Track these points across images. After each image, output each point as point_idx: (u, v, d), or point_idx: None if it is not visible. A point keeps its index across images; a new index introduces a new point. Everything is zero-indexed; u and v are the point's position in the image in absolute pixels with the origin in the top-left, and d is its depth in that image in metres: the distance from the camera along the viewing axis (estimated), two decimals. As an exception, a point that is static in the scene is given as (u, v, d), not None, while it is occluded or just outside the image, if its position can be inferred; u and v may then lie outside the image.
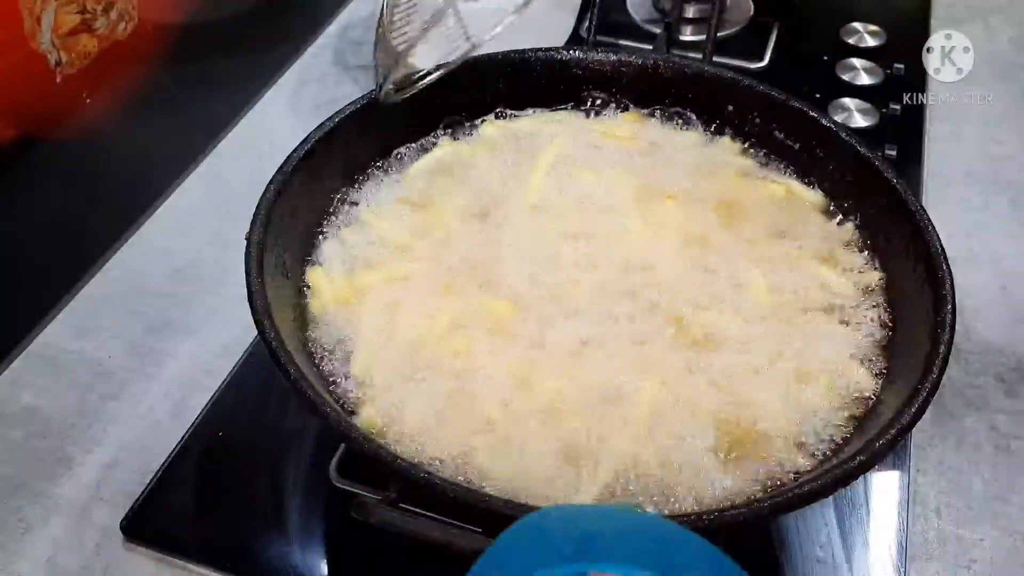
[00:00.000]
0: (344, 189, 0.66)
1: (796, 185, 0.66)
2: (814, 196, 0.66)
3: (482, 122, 0.71)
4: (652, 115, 0.72)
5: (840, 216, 0.64)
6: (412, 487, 0.46)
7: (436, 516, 0.45)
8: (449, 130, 0.71)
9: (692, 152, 0.69)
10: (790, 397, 0.53)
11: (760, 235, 0.63)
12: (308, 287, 0.60)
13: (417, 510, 0.45)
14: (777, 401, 0.53)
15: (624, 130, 0.70)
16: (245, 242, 0.54)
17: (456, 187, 0.66)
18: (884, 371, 0.55)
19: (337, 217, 0.64)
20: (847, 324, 0.58)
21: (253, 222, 0.55)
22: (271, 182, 0.58)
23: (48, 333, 0.73)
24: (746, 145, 0.70)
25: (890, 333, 0.57)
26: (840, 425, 0.53)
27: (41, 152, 0.70)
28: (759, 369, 0.55)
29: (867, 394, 0.54)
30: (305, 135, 0.62)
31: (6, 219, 0.69)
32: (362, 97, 0.65)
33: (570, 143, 0.69)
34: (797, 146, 0.67)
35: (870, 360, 0.56)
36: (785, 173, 0.68)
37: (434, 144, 0.70)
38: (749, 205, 0.65)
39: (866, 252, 0.62)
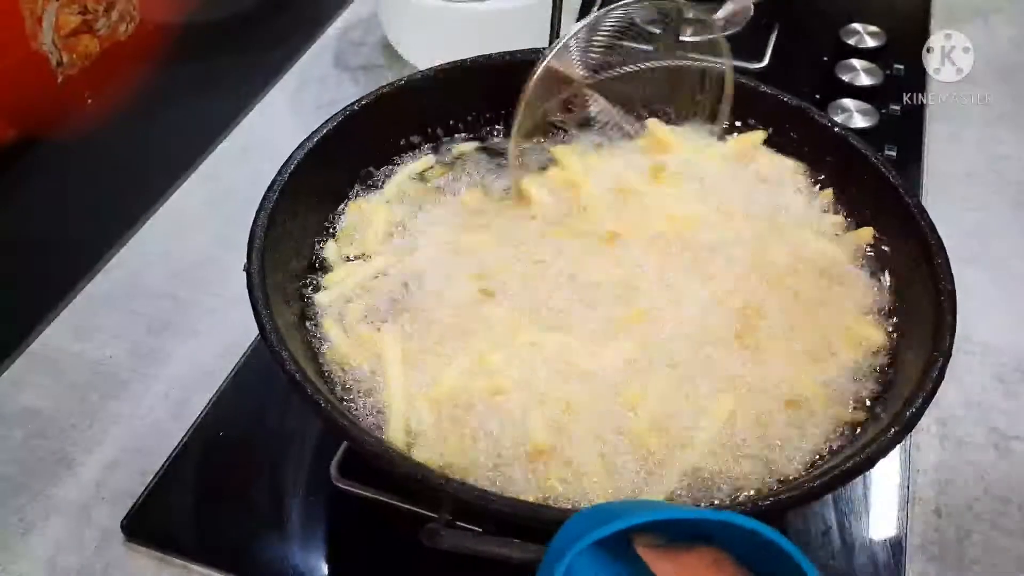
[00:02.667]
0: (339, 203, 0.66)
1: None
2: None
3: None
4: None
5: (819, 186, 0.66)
6: (465, 507, 0.45)
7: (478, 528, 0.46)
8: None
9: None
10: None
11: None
12: (313, 305, 0.60)
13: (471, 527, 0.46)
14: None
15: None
16: (245, 274, 0.53)
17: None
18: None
19: (328, 236, 0.64)
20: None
21: (249, 252, 0.54)
22: (260, 208, 0.57)
23: (48, 333, 0.73)
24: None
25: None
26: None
27: (41, 152, 0.70)
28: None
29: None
30: (306, 135, 0.62)
31: (6, 219, 0.69)
32: (342, 111, 0.64)
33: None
34: (770, 130, 0.68)
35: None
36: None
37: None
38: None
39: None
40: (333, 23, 1.06)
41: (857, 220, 0.63)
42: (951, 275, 0.54)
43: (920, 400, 0.48)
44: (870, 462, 0.46)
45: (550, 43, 0.64)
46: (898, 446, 0.48)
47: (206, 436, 0.65)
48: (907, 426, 0.47)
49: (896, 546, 0.59)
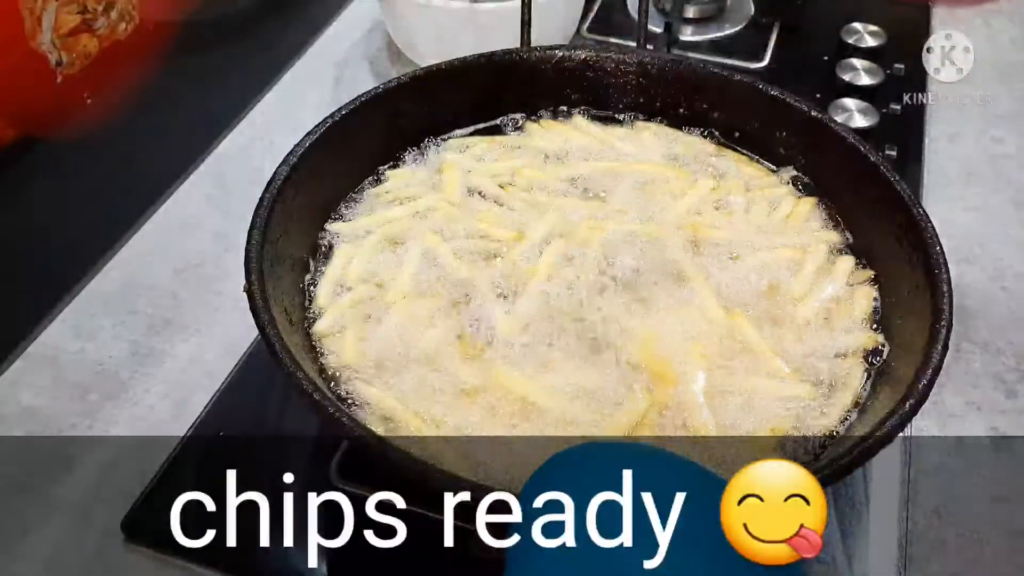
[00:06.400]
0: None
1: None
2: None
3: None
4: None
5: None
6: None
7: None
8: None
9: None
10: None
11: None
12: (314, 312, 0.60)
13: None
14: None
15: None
16: (245, 294, 0.53)
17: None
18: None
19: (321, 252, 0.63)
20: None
21: (248, 272, 0.54)
22: (252, 227, 0.56)
23: (48, 333, 0.72)
24: (705, 136, 0.70)
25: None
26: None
27: (41, 152, 0.70)
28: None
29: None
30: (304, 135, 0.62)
31: (6, 219, 0.69)
32: (330, 116, 0.63)
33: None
34: (756, 126, 0.68)
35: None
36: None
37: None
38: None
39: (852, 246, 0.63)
40: (333, 22, 1.06)
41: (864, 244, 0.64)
42: (942, 250, 0.55)
43: (930, 372, 0.48)
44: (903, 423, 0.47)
45: (521, 42, 0.64)
46: (898, 448, 0.48)
47: (206, 436, 0.65)
48: (920, 398, 0.48)
49: (896, 546, 0.59)
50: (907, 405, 0.47)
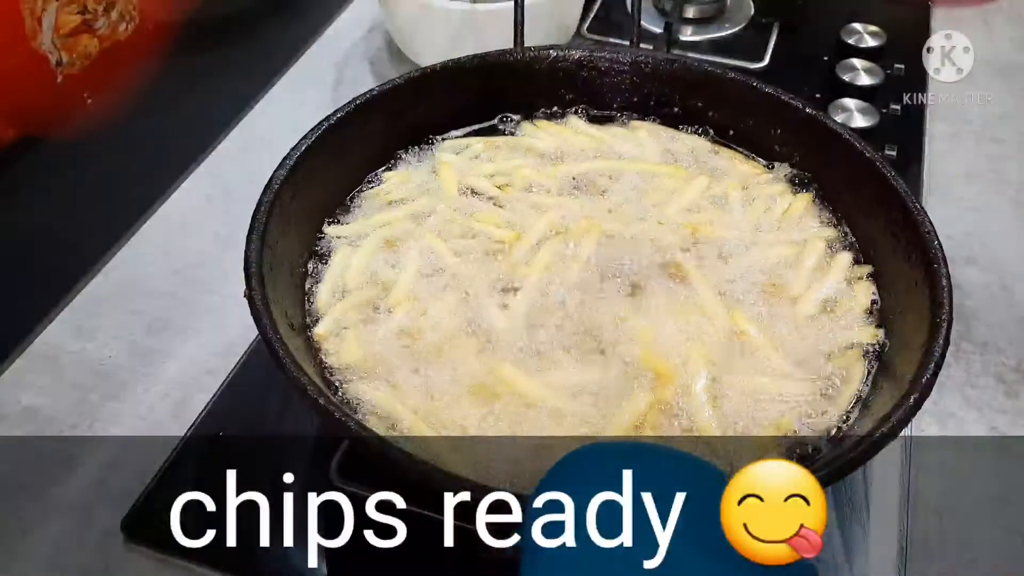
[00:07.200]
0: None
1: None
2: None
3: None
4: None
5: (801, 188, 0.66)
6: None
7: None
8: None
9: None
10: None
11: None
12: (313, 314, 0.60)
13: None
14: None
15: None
16: (246, 299, 0.53)
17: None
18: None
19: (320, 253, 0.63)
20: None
21: (247, 277, 0.54)
22: (251, 231, 0.56)
23: (48, 333, 0.73)
24: (700, 134, 0.71)
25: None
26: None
27: (41, 152, 0.70)
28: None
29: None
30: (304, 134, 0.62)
31: (6, 219, 0.69)
32: (326, 119, 0.63)
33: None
34: (751, 123, 0.69)
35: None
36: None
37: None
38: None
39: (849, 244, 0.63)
40: (333, 23, 1.06)
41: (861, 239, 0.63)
42: (940, 245, 0.55)
43: (931, 367, 0.48)
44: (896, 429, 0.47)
45: (515, 43, 0.63)
46: (898, 448, 0.48)
47: (206, 436, 0.65)
48: (924, 392, 0.48)
49: (896, 546, 0.59)
50: (910, 401, 0.47)
